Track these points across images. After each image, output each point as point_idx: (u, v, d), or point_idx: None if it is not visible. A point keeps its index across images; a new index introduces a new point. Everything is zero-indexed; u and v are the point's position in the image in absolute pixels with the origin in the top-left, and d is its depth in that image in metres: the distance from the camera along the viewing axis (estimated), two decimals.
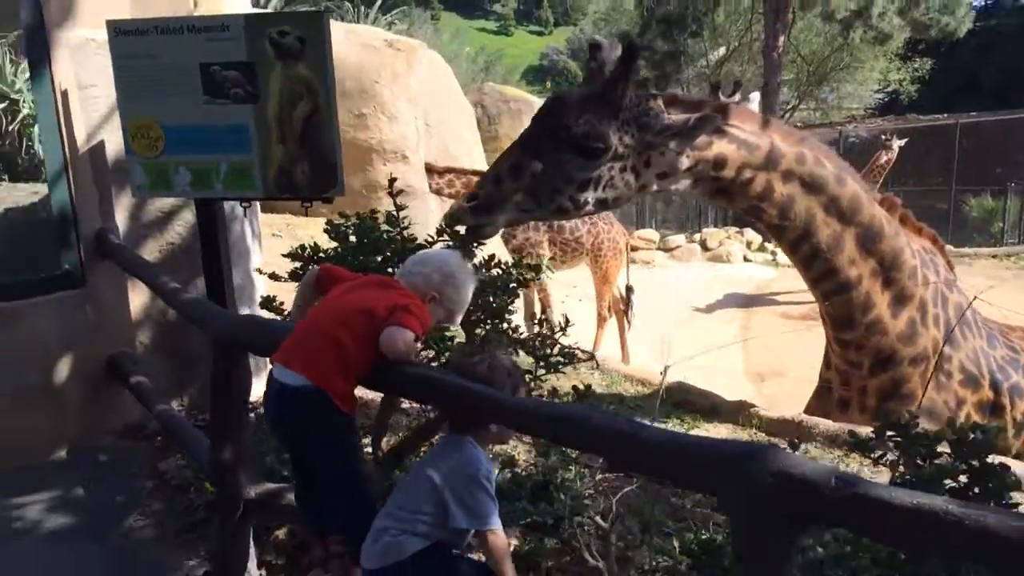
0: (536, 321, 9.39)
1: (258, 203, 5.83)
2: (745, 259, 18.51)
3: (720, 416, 5.55)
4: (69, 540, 3.72)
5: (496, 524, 2.17)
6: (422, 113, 9.36)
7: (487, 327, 3.32)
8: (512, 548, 3.27)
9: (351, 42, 8.96)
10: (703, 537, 2.51)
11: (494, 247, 8.74)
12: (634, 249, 15.61)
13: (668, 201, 22.34)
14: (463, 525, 2.16)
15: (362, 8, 21.37)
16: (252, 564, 3.21)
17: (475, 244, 3.61)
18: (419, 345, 2.39)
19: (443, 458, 2.24)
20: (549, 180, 3.67)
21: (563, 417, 1.88)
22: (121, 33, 3.95)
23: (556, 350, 3.32)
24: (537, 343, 3.31)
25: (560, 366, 3.29)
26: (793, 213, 4.32)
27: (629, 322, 10.27)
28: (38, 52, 4.21)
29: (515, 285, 3.67)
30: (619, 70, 3.63)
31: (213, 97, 3.91)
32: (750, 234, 19.29)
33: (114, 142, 4.34)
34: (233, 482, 3.05)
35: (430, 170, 8.94)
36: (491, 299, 3.44)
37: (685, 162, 3.95)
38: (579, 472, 3.01)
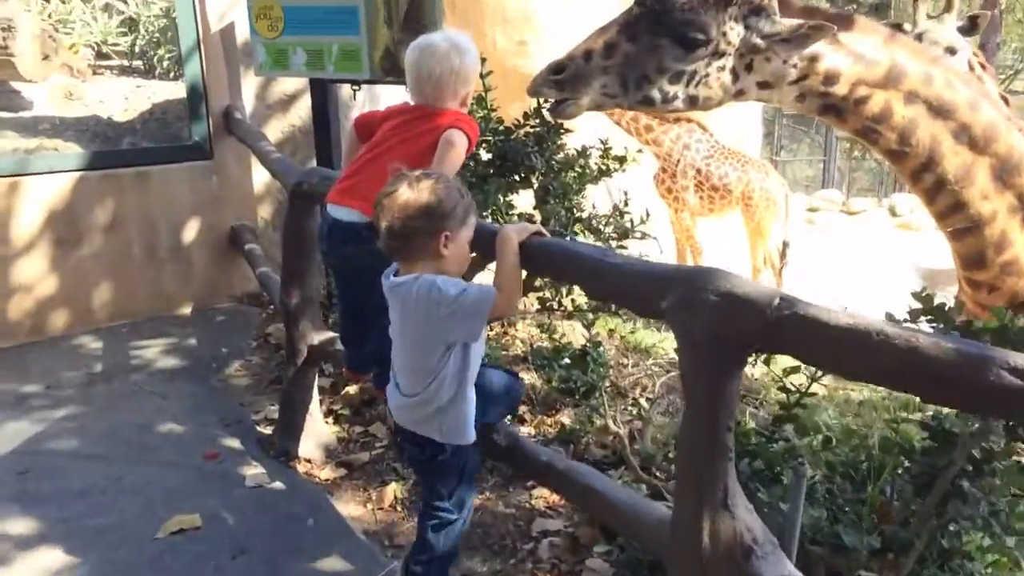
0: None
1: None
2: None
3: None
4: (176, 379, 4.14)
5: (490, 292, 1.97)
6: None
7: (556, 203, 3.34)
8: (560, 426, 3.35)
9: None
10: None
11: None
12: (814, 210, 15.00)
13: (858, 167, 21.00)
14: (468, 338, 2.02)
15: None
16: (316, 408, 3.44)
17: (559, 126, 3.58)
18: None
19: (407, 314, 2.06)
20: (641, 66, 3.52)
21: (547, 245, 1.92)
22: None
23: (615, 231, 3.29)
24: (600, 223, 3.30)
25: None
26: (916, 139, 3.95)
27: (781, 279, 10.03)
28: None
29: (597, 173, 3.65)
30: None
31: None
32: None
33: (243, 24, 4.61)
34: (298, 328, 3.28)
35: None
36: (567, 179, 3.44)
37: (792, 73, 3.69)
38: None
